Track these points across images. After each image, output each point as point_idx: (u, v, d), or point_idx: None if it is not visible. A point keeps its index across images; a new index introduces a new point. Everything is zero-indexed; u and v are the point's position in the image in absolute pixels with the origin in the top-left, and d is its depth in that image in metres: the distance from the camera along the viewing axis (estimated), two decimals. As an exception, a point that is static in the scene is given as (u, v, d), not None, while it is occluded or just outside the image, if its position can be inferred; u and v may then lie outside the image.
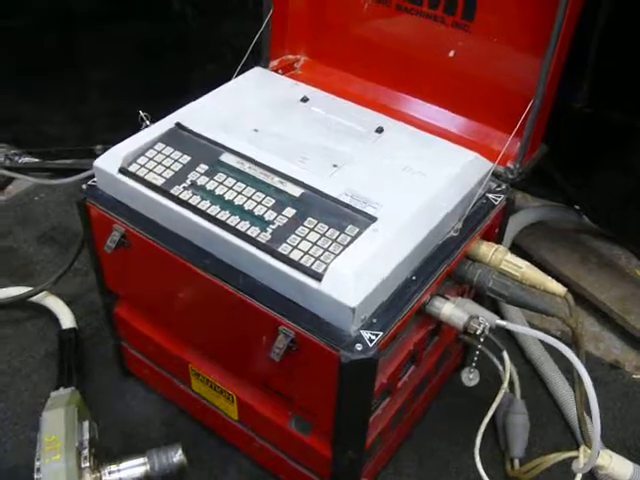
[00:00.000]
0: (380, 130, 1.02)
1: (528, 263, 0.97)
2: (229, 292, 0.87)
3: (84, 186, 1.00)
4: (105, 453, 1.06)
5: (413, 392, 1.04)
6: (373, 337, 0.81)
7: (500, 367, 0.99)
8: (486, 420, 0.95)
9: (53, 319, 1.27)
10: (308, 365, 0.84)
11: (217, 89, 1.09)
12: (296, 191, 0.90)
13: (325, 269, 0.81)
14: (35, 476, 0.96)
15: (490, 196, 1.00)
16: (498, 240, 1.04)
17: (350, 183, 0.91)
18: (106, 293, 1.10)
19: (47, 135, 1.56)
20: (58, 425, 1.00)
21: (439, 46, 1.06)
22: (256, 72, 1.14)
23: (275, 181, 0.91)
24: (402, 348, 0.93)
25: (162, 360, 1.12)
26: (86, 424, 1.03)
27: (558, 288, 0.96)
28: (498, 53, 1.01)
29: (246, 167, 0.94)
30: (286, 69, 1.20)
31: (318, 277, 0.81)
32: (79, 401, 1.06)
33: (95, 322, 1.30)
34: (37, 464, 0.97)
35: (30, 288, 1.28)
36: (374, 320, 0.82)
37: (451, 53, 1.05)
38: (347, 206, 0.88)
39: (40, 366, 1.22)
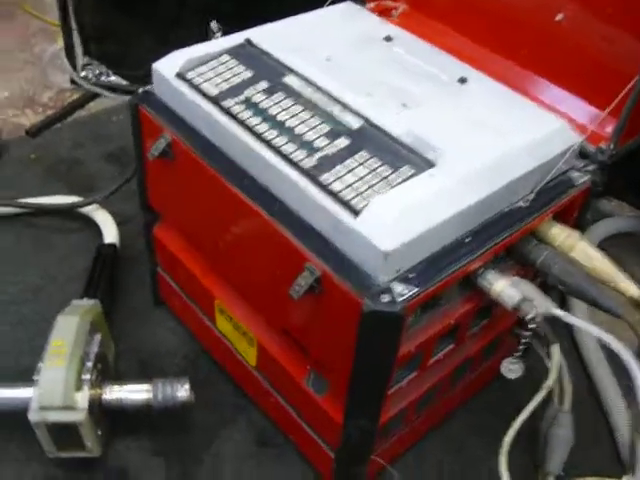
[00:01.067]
0: (463, 80, 0.91)
1: (603, 255, 0.85)
2: (262, 217, 0.78)
3: (140, 90, 0.94)
4: (115, 376, 1.00)
5: (449, 376, 0.92)
6: (405, 292, 0.71)
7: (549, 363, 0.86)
8: (518, 422, 0.82)
9: (99, 234, 1.22)
10: (329, 311, 0.75)
11: (300, 15, 1.00)
12: (355, 123, 0.81)
13: (365, 205, 0.71)
14: (34, 377, 0.91)
15: (573, 174, 0.87)
16: (575, 226, 0.91)
17: (415, 125, 0.80)
18: (147, 210, 1.04)
19: (136, 57, 1.52)
20: (68, 331, 0.95)
21: (548, 6, 0.94)
22: (347, 5, 1.05)
23: (335, 110, 0.83)
24: (440, 319, 0.83)
25: (191, 291, 1.05)
26: (98, 337, 0.98)
27: (630, 289, 0.82)
28: (609, 26, 0.88)
29: (307, 92, 0.85)
30: (382, 13, 1.10)
31: (355, 212, 0.71)
32: (98, 314, 1.01)
33: (140, 246, 1.24)
34: (39, 365, 0.92)
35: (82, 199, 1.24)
36: (411, 275, 0.72)
37: (559, 16, 0.93)
38: (406, 147, 0.78)
39: (76, 278, 1.18)
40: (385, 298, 0.70)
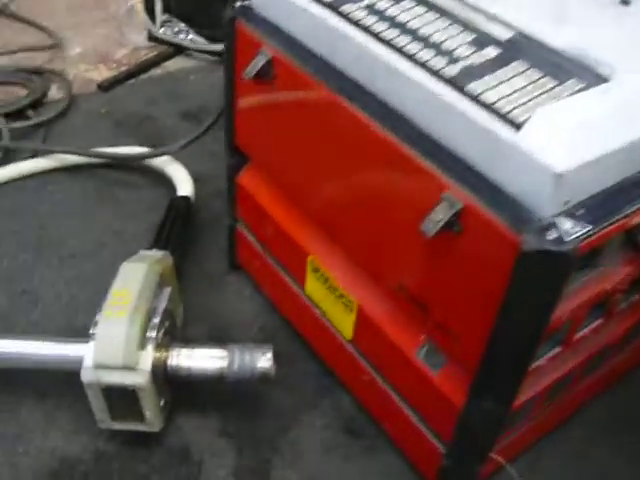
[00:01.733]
0: (626, 2, 0.74)
1: None
2: (387, 141, 0.63)
3: (236, 4, 0.80)
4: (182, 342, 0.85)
5: (592, 358, 0.75)
6: (575, 230, 0.54)
7: None
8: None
9: (170, 192, 1.08)
10: (469, 254, 0.59)
11: None
12: (505, 33, 0.65)
13: (528, 118, 0.55)
14: (90, 330, 0.76)
15: None
16: None
17: (578, 40, 0.64)
18: (232, 152, 0.89)
19: (218, 17, 1.40)
20: (134, 279, 0.80)
21: None
22: None
23: (478, 19, 0.67)
24: (597, 282, 0.65)
25: (278, 248, 0.90)
26: (167, 291, 0.83)
27: None
28: None
29: (445, 2, 0.69)
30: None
31: (517, 126, 0.55)
32: (168, 267, 0.86)
33: (214, 208, 1.10)
34: (96, 317, 0.77)
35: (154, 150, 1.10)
36: (579, 212, 0.56)
37: None
38: (571, 60, 0.62)
39: (143, 235, 1.04)
40: (551, 235, 0.53)
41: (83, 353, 0.76)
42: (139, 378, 0.74)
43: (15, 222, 1.07)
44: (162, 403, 0.79)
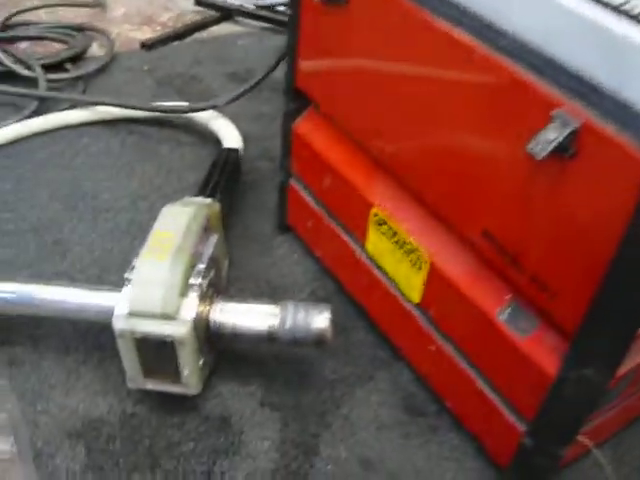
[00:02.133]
0: None
1: None
2: (486, 59, 0.54)
3: None
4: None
5: None
6: None
7: None
8: None
9: (215, 152, 0.99)
10: (583, 186, 0.49)
11: None
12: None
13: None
14: (125, 274, 0.67)
15: None
16: None
17: None
18: (292, 95, 0.80)
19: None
20: (178, 222, 0.71)
21: None
22: None
23: None
24: None
25: (336, 202, 0.80)
26: (214, 238, 0.73)
27: None
28: None
29: None
30: None
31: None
32: (216, 214, 0.77)
33: (263, 169, 1.01)
34: (133, 262, 0.68)
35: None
36: None
37: None
38: None
39: (185, 191, 0.95)
40: (697, 154, 0.43)
41: (115, 301, 0.68)
42: (179, 328, 0.65)
43: (48, 173, 0.99)
44: (201, 363, 0.70)
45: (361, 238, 0.77)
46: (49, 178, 0.98)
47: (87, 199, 0.95)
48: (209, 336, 0.71)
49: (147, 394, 0.74)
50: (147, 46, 1.24)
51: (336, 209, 0.80)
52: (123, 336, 0.66)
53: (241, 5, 1.36)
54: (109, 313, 0.67)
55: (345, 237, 0.80)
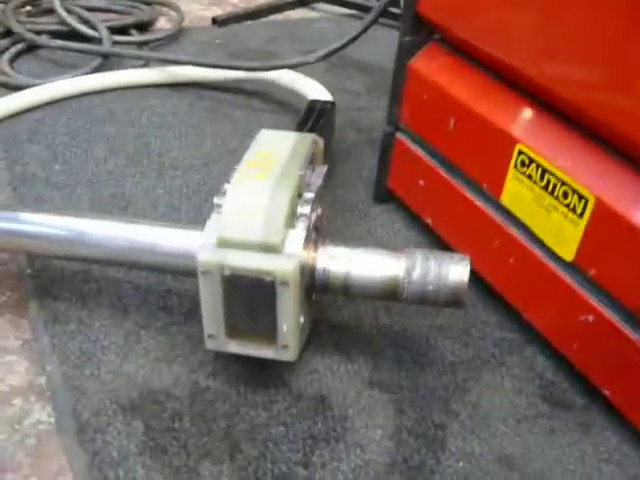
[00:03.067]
0: None
1: None
2: None
3: None
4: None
5: None
6: None
7: None
8: None
9: (295, 118, 0.85)
10: None
11: None
12: None
13: None
14: (214, 199, 0.51)
15: None
16: None
17: None
18: (412, 25, 0.65)
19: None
20: (281, 143, 0.55)
21: None
22: None
23: None
24: None
25: (462, 150, 0.64)
26: (323, 169, 0.57)
27: None
28: None
29: None
30: None
31: None
32: (320, 149, 0.61)
33: (351, 139, 0.86)
34: (224, 187, 0.52)
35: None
36: None
37: None
38: None
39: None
40: None
41: (198, 238, 0.52)
42: (284, 264, 0.48)
43: (107, 129, 0.85)
44: (302, 321, 0.53)
45: (494, 190, 0.61)
46: (109, 134, 0.84)
47: (152, 156, 0.80)
48: (312, 289, 0.54)
49: (225, 365, 0.57)
50: (219, 22, 1.12)
51: (461, 158, 0.64)
52: (208, 272, 0.49)
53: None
54: (188, 254, 0.51)
55: (469, 193, 0.64)
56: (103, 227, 0.57)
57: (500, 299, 0.64)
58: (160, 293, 0.63)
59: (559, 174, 0.54)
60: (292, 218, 0.51)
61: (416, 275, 0.52)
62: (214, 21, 1.12)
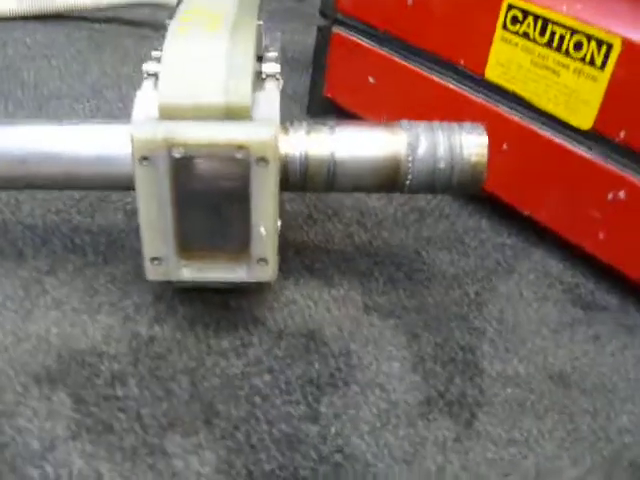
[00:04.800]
0: None
1: None
2: None
3: None
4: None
5: None
6: None
7: None
8: None
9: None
10: None
11: None
12: None
13: None
14: (143, 67, 0.34)
15: None
16: None
17: None
18: None
19: None
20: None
21: None
22: None
23: None
24: None
25: (425, 25, 0.50)
26: (278, 34, 0.41)
27: None
28: None
29: None
30: None
31: None
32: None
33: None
34: (155, 52, 0.35)
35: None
36: None
37: None
38: None
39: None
40: None
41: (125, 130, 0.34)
42: (262, 133, 0.32)
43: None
44: (279, 226, 0.36)
45: (475, 64, 0.47)
46: (-35, 68, 0.63)
47: (27, 88, 0.60)
48: (283, 184, 0.38)
49: (171, 307, 0.40)
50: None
51: (426, 37, 0.50)
52: (150, 158, 0.32)
53: None
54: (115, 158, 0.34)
55: (440, 77, 0.50)
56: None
57: (486, 202, 0.51)
58: (64, 232, 0.44)
59: (568, 21, 0.42)
60: (258, 79, 0.35)
61: (422, 150, 0.38)
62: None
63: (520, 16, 0.44)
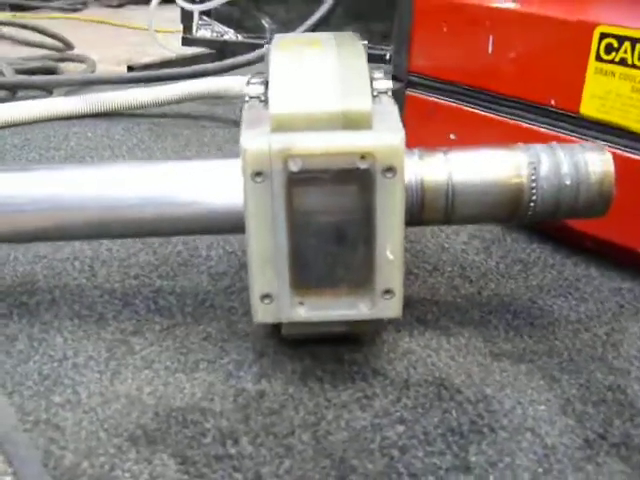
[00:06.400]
0: None
1: None
2: None
3: None
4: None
5: None
6: None
7: None
8: None
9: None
10: None
11: None
12: None
13: None
14: (245, 90, 0.33)
15: None
16: None
17: None
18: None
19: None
20: (315, 36, 0.38)
21: None
22: None
23: None
24: None
25: (508, 72, 0.49)
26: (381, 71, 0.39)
27: None
28: None
29: None
30: None
31: None
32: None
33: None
34: (251, 77, 0.34)
35: None
36: None
37: None
38: None
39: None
40: None
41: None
42: (388, 138, 0.29)
43: (27, 154, 0.63)
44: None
45: (568, 101, 0.45)
46: (29, 159, 0.62)
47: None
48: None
49: (277, 362, 0.35)
50: (135, 69, 0.94)
51: (510, 84, 0.48)
52: (263, 173, 0.29)
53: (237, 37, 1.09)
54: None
55: (529, 122, 0.48)
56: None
57: (591, 253, 0.47)
58: (145, 295, 0.40)
59: (672, 40, 0.40)
60: (372, 90, 0.32)
61: (545, 168, 0.34)
62: (130, 68, 0.95)
63: (615, 43, 0.43)
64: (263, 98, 0.32)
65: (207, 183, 0.35)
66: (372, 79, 0.33)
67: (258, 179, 0.29)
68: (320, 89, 0.30)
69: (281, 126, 0.30)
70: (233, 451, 0.30)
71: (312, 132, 0.29)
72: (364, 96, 0.30)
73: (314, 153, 0.29)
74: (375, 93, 0.33)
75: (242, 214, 0.30)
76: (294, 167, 0.29)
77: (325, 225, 0.30)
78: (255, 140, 0.29)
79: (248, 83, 0.33)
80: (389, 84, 0.33)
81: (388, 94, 0.33)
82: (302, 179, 0.29)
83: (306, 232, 0.30)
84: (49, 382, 0.33)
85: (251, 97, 0.33)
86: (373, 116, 0.30)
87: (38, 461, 0.29)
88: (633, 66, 0.42)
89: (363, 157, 0.29)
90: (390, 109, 0.31)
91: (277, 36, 0.35)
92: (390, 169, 0.29)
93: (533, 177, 0.34)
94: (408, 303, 0.40)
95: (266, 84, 0.33)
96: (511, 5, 0.48)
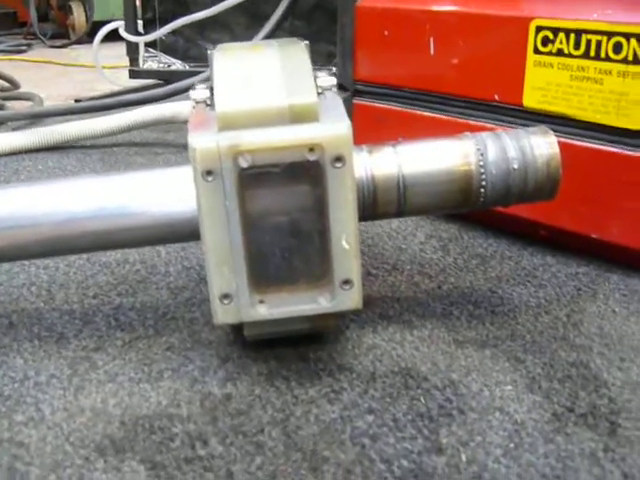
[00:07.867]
0: None
1: None
2: None
3: None
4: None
5: None
6: None
7: None
8: None
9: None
10: None
11: None
12: None
13: None
14: (190, 94, 0.33)
15: None
16: None
17: None
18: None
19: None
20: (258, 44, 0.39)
21: None
22: None
23: None
24: None
25: (449, 71, 0.50)
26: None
27: None
28: None
29: None
30: None
31: None
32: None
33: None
34: (196, 79, 0.35)
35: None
36: None
37: None
38: None
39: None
40: None
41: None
42: (335, 128, 0.30)
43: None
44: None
45: (511, 95, 0.47)
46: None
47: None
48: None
49: (242, 365, 0.35)
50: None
51: (453, 83, 0.50)
52: (214, 171, 0.29)
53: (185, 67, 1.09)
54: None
55: (474, 120, 0.49)
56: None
57: (546, 244, 0.48)
58: (105, 312, 0.40)
59: (602, 27, 0.42)
60: (317, 87, 0.33)
61: (492, 154, 0.36)
62: (76, 101, 0.95)
63: (551, 35, 0.44)
64: (209, 102, 0.33)
65: (162, 191, 0.35)
66: (316, 77, 0.34)
67: (209, 178, 0.30)
68: (265, 86, 0.31)
69: (228, 124, 0.30)
70: (203, 452, 0.29)
71: (260, 128, 0.30)
72: (309, 90, 0.31)
73: (263, 148, 0.30)
74: (320, 90, 0.34)
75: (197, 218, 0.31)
76: (244, 163, 0.30)
77: (279, 220, 0.31)
78: (203, 139, 0.30)
79: (194, 88, 0.34)
80: (333, 81, 0.34)
81: (332, 90, 0.34)
82: (253, 175, 0.30)
83: (261, 228, 0.31)
84: (11, 402, 0.33)
85: (197, 102, 0.33)
86: (319, 109, 0.31)
87: (2, 479, 0.28)
88: (570, 55, 0.44)
89: (312, 149, 0.30)
90: (335, 103, 0.32)
91: (219, 45, 0.36)
92: (339, 159, 0.30)
93: (481, 163, 0.36)
94: (370, 301, 0.41)
95: (211, 89, 0.33)
96: (449, 7, 0.50)
